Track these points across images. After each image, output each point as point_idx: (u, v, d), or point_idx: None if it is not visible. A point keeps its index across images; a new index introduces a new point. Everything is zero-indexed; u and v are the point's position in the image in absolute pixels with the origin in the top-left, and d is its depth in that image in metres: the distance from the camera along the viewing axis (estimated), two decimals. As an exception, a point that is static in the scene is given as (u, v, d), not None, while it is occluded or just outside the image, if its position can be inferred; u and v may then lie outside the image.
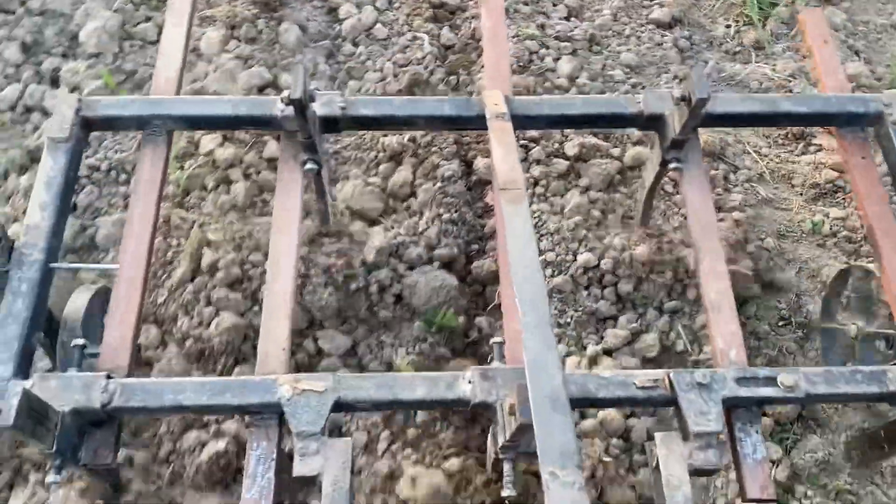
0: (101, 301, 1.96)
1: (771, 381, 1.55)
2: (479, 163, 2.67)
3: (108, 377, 1.56)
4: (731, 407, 1.56)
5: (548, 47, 3.01)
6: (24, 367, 1.61)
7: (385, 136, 2.69)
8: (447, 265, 2.41)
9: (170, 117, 1.96)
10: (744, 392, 1.54)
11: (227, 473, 2.04)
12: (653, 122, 1.99)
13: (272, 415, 1.55)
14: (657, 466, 1.49)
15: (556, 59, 2.95)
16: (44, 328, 1.77)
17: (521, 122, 1.99)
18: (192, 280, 2.30)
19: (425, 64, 2.92)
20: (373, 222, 2.50)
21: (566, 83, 2.87)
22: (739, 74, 3.05)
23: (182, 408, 1.56)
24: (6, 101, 2.74)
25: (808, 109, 2.04)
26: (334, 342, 2.25)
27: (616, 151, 2.66)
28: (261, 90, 2.73)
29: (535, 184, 2.59)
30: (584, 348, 2.29)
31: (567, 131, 2.69)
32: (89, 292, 1.96)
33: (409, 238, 2.44)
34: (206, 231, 2.36)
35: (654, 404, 1.64)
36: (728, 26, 3.25)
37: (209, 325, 2.20)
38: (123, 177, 2.57)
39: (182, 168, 2.54)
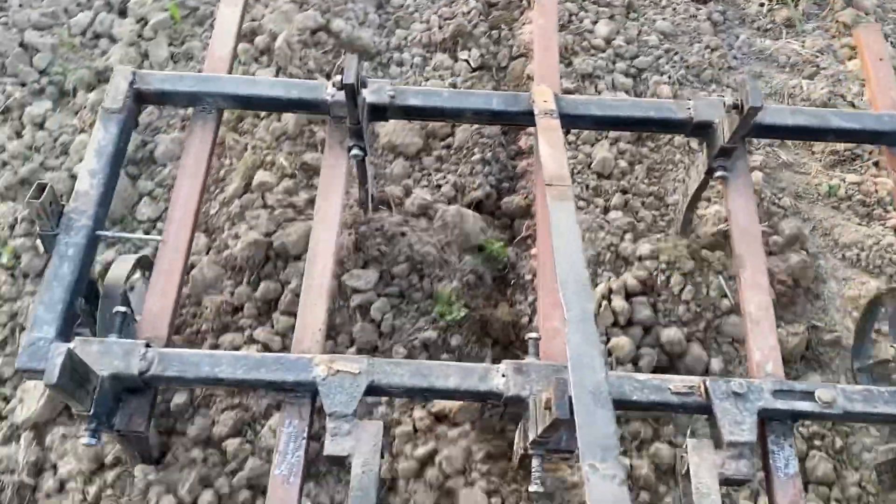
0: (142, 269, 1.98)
1: (808, 395, 1.54)
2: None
3: (147, 346, 1.58)
4: (766, 419, 1.55)
5: (587, 10, 3.16)
6: (66, 331, 1.63)
7: (427, 79, 2.88)
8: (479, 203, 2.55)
9: (220, 95, 1.96)
10: (780, 405, 1.53)
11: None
12: (701, 130, 1.97)
13: (306, 393, 1.56)
14: (687, 473, 1.49)
15: (595, 22, 3.11)
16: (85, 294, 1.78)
17: (569, 120, 1.98)
18: (240, 196, 2.46)
19: (469, 17, 3.06)
20: (411, 158, 2.65)
21: (602, 44, 3.03)
22: (769, 49, 3.15)
23: (217, 380, 1.57)
24: (78, 26, 2.91)
25: (858, 126, 2.02)
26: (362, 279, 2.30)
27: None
28: (313, 32, 2.91)
29: (567, 132, 2.72)
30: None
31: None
32: (131, 261, 1.97)
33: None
34: (259, 154, 2.53)
35: (689, 410, 1.61)
36: (761, 4, 3.36)
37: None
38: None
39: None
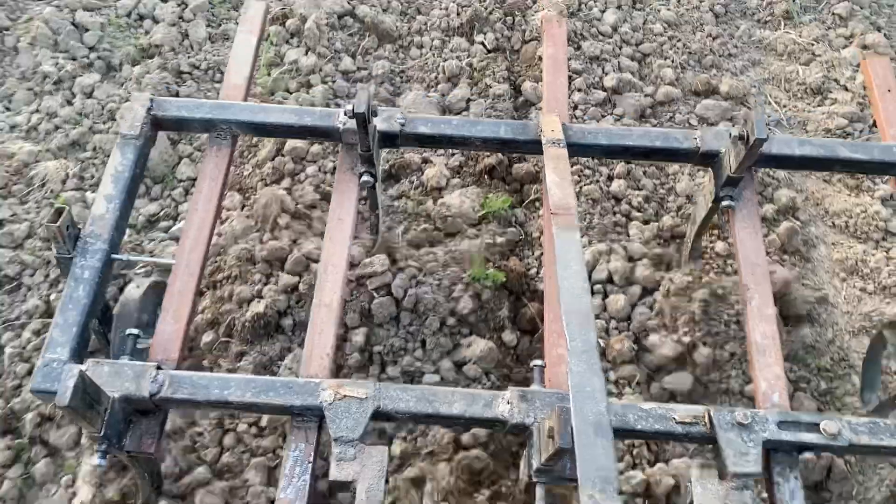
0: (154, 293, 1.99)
1: (814, 427, 1.54)
2: (527, 86, 2.94)
3: (159, 368, 1.59)
4: (771, 450, 1.55)
5: (595, 0, 3.27)
6: (79, 352, 1.64)
7: (445, 60, 3.01)
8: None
9: (235, 122, 1.99)
10: (785, 436, 1.53)
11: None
12: (708, 159, 1.97)
13: (313, 418, 1.58)
14: (691, 503, 1.50)
15: (603, 11, 3.24)
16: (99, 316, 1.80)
17: (577, 149, 1.99)
18: (272, 160, 2.62)
19: (485, 4, 3.19)
20: None
21: (609, 30, 3.16)
22: (768, 38, 3.28)
23: (226, 403, 1.58)
24: (124, 8, 3.12)
25: (866, 157, 1.99)
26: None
27: (649, 89, 2.98)
28: (340, 17, 3.09)
29: (575, 108, 2.86)
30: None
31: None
32: (144, 284, 2.00)
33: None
34: None
35: (693, 440, 1.62)
36: None
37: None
38: (218, 76, 2.93)
39: (269, 74, 2.88)
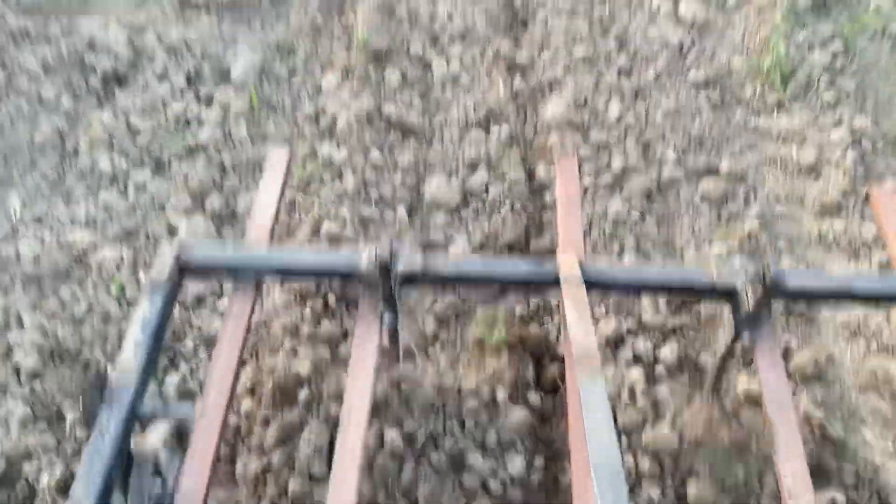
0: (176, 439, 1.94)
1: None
2: (540, 171, 3.24)
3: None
4: None
5: (600, 93, 3.57)
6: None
7: (465, 149, 3.29)
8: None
9: (260, 268, 2.04)
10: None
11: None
12: (726, 295, 1.98)
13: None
14: None
15: (608, 102, 3.50)
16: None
17: (596, 285, 2.00)
18: (308, 241, 2.88)
19: (499, 101, 3.50)
20: (451, 212, 3.08)
21: (614, 121, 3.42)
22: (762, 124, 3.55)
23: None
24: (174, 112, 3.45)
25: (883, 288, 2.01)
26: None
27: (654, 171, 3.21)
28: (368, 115, 3.35)
29: (585, 191, 3.11)
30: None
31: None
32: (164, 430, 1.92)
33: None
34: (324, 209, 2.97)
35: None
36: (755, 89, 3.70)
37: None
38: (258, 171, 3.19)
39: (305, 167, 3.17)
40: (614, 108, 3.48)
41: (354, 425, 1.76)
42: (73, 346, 2.52)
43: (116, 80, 3.64)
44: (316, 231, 2.91)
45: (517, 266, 2.05)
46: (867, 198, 3.16)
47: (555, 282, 1.98)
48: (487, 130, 3.39)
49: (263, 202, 2.28)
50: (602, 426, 1.54)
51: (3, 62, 3.67)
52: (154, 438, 1.83)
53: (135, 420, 1.78)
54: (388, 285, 1.94)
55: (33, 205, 3.06)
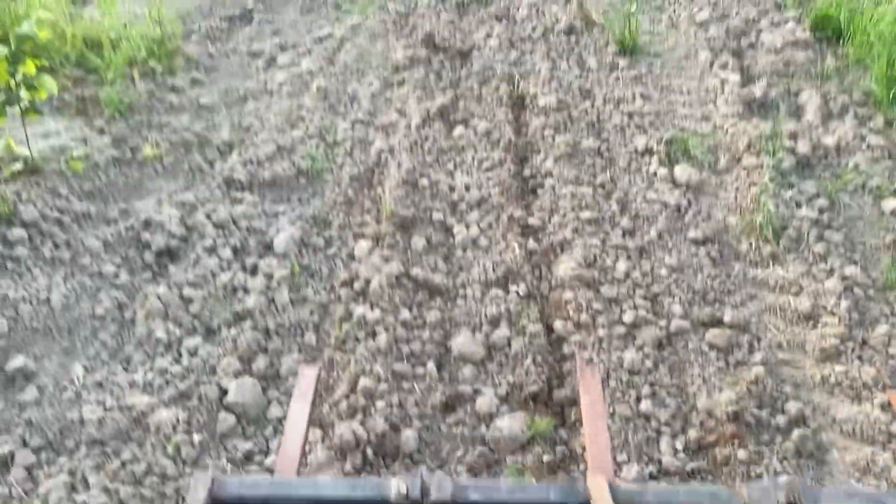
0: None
1: None
2: (558, 325, 3.49)
3: None
4: None
5: (608, 253, 3.94)
6: None
7: (486, 307, 3.59)
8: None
9: (292, 499, 2.03)
10: None
11: None
12: None
13: None
14: None
15: (615, 261, 3.87)
16: None
17: None
18: (346, 397, 3.12)
19: (516, 261, 3.83)
20: (477, 365, 3.31)
21: (622, 277, 3.76)
22: (760, 276, 3.86)
23: None
24: (222, 282, 3.80)
25: None
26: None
27: (663, 322, 3.50)
28: (397, 278, 3.73)
29: (601, 342, 3.37)
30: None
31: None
32: None
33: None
34: (360, 365, 3.25)
35: None
36: (750, 244, 4.05)
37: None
38: (298, 333, 3.59)
39: (340, 328, 3.49)
40: (621, 266, 3.82)
41: None
42: (133, 505, 2.72)
43: (169, 254, 4.04)
44: (353, 387, 3.16)
45: (547, 491, 2.03)
46: (864, 342, 3.40)
47: None
48: (506, 289, 3.71)
49: (291, 430, 2.33)
50: None
51: (68, 242, 4.09)
52: None
53: None
54: None
55: (95, 372, 3.35)
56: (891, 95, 5.14)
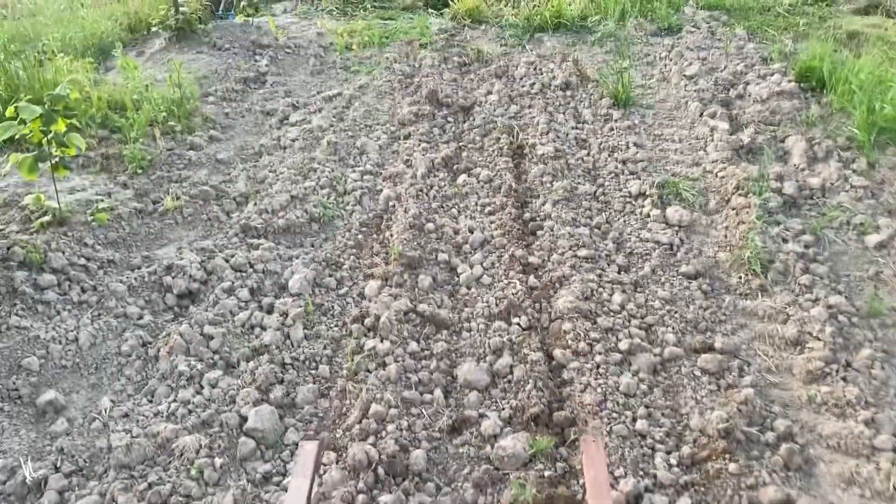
0: None
1: None
2: (557, 353, 3.70)
3: None
4: None
5: (604, 287, 4.14)
6: None
7: (490, 338, 3.80)
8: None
9: None
10: None
11: None
12: None
13: None
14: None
15: (611, 294, 4.12)
16: None
17: None
18: (359, 422, 3.31)
19: (517, 297, 4.08)
20: (481, 391, 3.52)
21: (618, 308, 4.00)
22: (749, 306, 4.07)
23: None
24: (240, 320, 4.06)
25: None
26: None
27: (657, 350, 3.71)
28: (405, 313, 3.98)
29: (598, 367, 3.58)
30: None
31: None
32: None
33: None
34: (371, 393, 3.44)
35: None
36: (739, 277, 4.28)
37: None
38: (312, 365, 3.81)
39: (352, 360, 3.70)
40: (617, 298, 4.04)
41: None
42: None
43: (190, 296, 4.29)
44: (365, 413, 3.36)
45: None
46: (848, 364, 3.59)
47: None
48: (509, 321, 3.93)
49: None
50: None
51: (94, 286, 4.34)
52: None
53: None
54: None
55: (121, 404, 3.56)
56: (872, 139, 5.42)
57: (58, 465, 3.19)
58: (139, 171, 5.59)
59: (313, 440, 2.73)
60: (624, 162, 5.51)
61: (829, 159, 5.37)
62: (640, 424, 3.26)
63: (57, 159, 4.82)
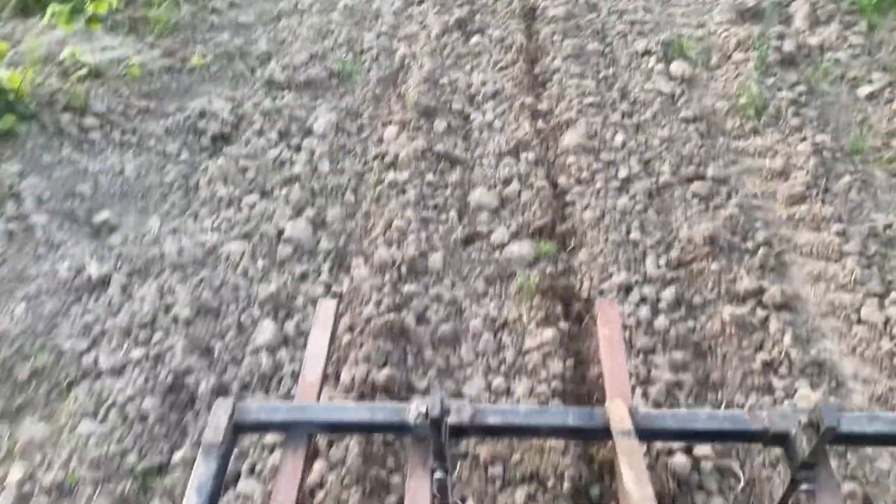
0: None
1: None
2: (562, 180, 4.03)
3: None
4: None
5: (608, 128, 4.44)
6: None
7: (500, 170, 4.09)
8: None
9: (311, 423, 2.09)
10: None
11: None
12: (779, 440, 1.98)
13: None
14: None
15: (614, 135, 4.39)
16: None
17: (647, 434, 2.01)
18: (383, 234, 3.70)
19: (526, 137, 4.30)
20: (492, 212, 3.81)
21: (619, 146, 4.28)
22: (741, 146, 4.39)
23: None
24: (271, 156, 4.39)
25: None
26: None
27: (653, 179, 3.98)
28: (422, 151, 4.21)
29: (598, 192, 3.87)
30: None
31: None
32: None
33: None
34: (392, 214, 3.78)
35: None
36: (735, 121, 4.59)
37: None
38: (338, 194, 4.10)
39: (375, 188, 4.08)
40: (619, 138, 4.36)
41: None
42: (214, 305, 3.34)
43: (223, 138, 4.63)
44: (388, 228, 3.75)
45: (566, 416, 2.05)
46: (827, 189, 3.93)
47: (604, 431, 2.01)
48: (517, 157, 4.27)
49: (312, 358, 2.34)
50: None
51: (134, 129, 4.69)
52: None
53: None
54: (440, 441, 1.93)
55: (169, 223, 3.96)
56: (874, 3, 5.58)
57: (118, 267, 3.61)
58: (164, 32, 5.82)
59: (332, 299, 2.66)
60: (632, 23, 5.71)
61: (831, 22, 5.56)
62: (634, 234, 3.64)
63: (90, 14, 5.08)
